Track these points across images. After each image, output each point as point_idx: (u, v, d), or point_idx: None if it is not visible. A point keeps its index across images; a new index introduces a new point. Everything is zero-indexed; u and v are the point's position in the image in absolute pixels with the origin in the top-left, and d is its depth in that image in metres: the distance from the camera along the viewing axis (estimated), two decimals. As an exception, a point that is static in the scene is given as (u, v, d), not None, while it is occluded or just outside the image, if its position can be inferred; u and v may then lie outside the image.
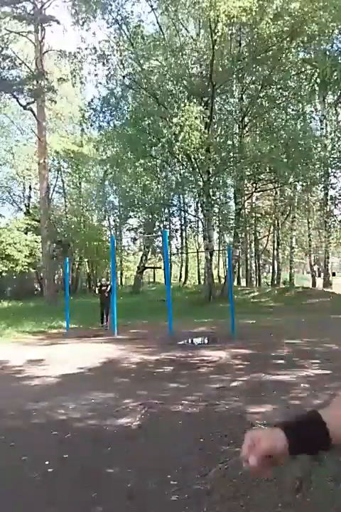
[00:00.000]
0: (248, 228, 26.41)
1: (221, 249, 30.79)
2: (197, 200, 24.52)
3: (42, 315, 15.51)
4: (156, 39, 18.47)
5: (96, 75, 18.91)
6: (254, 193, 24.06)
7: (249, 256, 30.92)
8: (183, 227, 33.76)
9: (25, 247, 25.51)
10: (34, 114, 22.52)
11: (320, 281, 28.51)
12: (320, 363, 6.69)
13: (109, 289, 13.23)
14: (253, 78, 18.55)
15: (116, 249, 24.89)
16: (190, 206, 31.38)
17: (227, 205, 25.66)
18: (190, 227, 33.23)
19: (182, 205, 31.09)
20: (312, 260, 33.07)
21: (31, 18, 20.43)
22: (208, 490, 2.75)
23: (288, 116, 20.13)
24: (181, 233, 34.82)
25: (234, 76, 18.03)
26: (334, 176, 20.86)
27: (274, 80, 18.00)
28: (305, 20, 15.48)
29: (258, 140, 19.46)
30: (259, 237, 32.04)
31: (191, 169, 19.94)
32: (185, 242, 36.14)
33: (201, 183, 19.19)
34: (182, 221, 33.45)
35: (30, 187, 32.95)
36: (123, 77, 18.72)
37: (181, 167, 22.20)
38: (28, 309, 18.68)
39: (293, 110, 20.18)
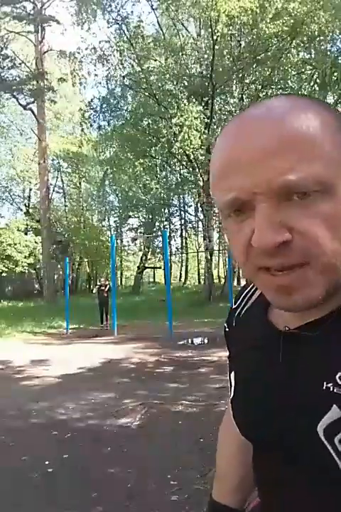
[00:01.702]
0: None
1: (221, 249, 30.79)
2: (197, 200, 24.54)
3: (42, 315, 15.51)
4: (156, 39, 18.47)
5: (96, 75, 18.95)
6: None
7: (248, 256, 30.88)
8: (183, 227, 33.76)
9: (25, 247, 25.52)
10: (34, 114, 22.53)
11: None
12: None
13: (107, 288, 13.24)
14: (254, 78, 18.55)
15: (116, 249, 24.92)
16: (190, 206, 31.39)
17: (227, 205, 25.63)
18: (190, 227, 33.23)
19: (182, 205, 31.09)
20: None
21: (31, 18, 20.44)
22: (208, 490, 2.74)
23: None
24: (181, 233, 34.84)
25: (234, 76, 18.03)
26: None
27: (274, 80, 17.99)
28: (305, 20, 15.48)
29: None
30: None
31: (191, 169, 19.94)
32: (185, 242, 36.14)
33: (201, 183, 19.19)
34: (182, 221, 33.47)
35: (30, 187, 32.96)
36: (123, 77, 18.72)
37: (181, 167, 22.20)
38: (28, 309, 18.68)
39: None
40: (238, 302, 0.70)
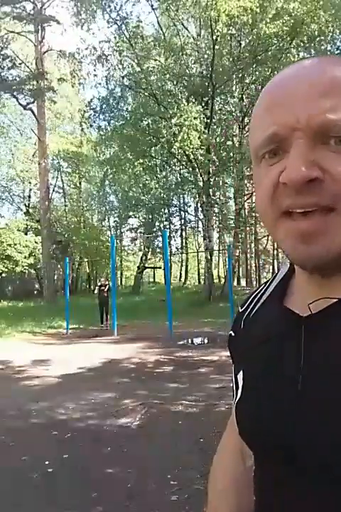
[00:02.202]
0: (248, 228, 26.41)
1: (221, 249, 30.81)
2: (197, 200, 24.56)
3: (42, 315, 15.51)
4: (156, 39, 18.48)
5: (95, 75, 18.95)
6: (254, 193, 24.01)
7: (249, 256, 30.91)
8: (183, 227, 33.76)
9: (25, 247, 25.51)
10: (34, 114, 22.52)
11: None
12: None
13: (107, 288, 13.24)
14: (254, 78, 18.55)
15: (116, 249, 24.92)
16: (190, 206, 31.41)
17: (227, 205, 25.67)
18: (190, 227, 33.22)
19: (182, 205, 31.09)
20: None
21: (31, 18, 20.44)
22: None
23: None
24: (181, 233, 34.83)
25: (234, 76, 18.03)
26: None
27: (274, 80, 18.00)
28: (305, 20, 15.48)
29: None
30: (259, 237, 32.06)
31: (191, 169, 19.95)
32: (185, 242, 36.13)
33: (201, 183, 19.19)
34: (182, 221, 33.47)
35: (30, 187, 32.94)
36: (123, 77, 18.73)
37: (181, 167, 22.22)
38: (28, 309, 18.68)
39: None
40: (246, 305, 0.67)
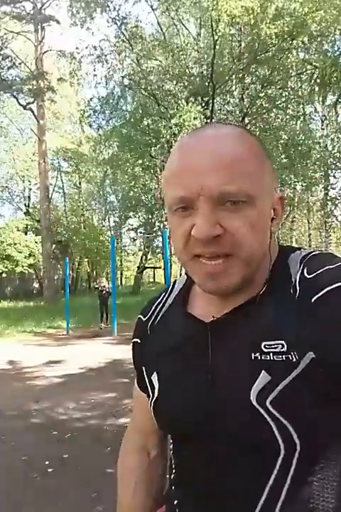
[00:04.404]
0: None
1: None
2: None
3: (42, 315, 15.50)
4: (156, 39, 18.45)
5: (95, 75, 18.90)
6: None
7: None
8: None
9: (25, 247, 25.48)
10: (34, 114, 22.51)
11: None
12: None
13: (106, 289, 13.21)
14: (254, 78, 18.53)
15: (116, 249, 24.85)
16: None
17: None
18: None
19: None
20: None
21: (31, 18, 20.43)
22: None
23: (287, 117, 20.10)
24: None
25: (234, 76, 18.00)
26: (334, 177, 20.85)
27: (274, 80, 17.98)
28: (305, 20, 15.45)
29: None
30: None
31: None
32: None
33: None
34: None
35: (29, 187, 32.92)
36: (123, 77, 18.69)
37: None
38: (28, 309, 18.67)
39: (292, 111, 20.15)
40: (149, 314, 0.78)
